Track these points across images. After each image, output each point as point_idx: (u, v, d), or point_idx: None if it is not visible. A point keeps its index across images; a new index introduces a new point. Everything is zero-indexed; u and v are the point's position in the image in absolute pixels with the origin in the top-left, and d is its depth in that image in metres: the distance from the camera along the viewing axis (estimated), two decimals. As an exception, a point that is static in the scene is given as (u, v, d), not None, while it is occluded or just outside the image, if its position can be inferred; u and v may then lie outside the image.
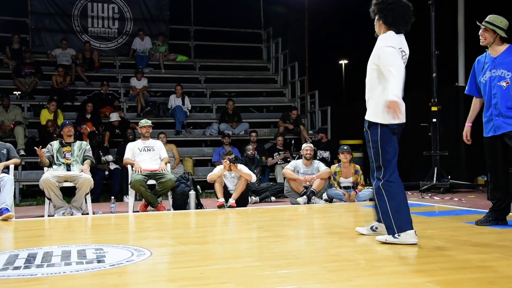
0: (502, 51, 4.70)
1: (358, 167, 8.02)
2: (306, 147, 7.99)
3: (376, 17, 4.05)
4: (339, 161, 8.07)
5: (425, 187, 8.79)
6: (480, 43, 4.80)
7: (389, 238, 3.89)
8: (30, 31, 13.11)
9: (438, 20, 9.31)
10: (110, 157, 9.40)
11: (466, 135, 5.08)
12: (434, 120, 9.11)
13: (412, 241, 3.84)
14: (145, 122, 7.72)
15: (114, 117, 10.61)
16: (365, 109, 4.08)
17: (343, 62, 25.96)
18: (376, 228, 4.25)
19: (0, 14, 12.78)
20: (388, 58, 3.80)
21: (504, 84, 4.63)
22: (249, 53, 14.61)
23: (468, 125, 5.08)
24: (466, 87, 5.10)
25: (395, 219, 3.85)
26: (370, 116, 3.99)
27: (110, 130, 10.37)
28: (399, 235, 3.85)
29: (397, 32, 3.98)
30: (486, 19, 4.74)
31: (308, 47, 13.35)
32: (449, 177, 9.01)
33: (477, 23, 4.82)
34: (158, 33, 13.66)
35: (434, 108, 9.12)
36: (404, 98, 3.83)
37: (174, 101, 11.65)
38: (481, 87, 4.86)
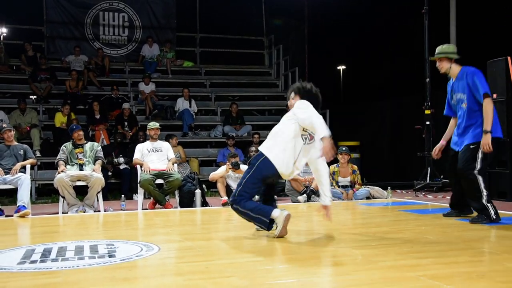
0: (457, 74, 4.88)
1: (355, 167, 8.00)
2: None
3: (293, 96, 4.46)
4: (337, 161, 8.07)
5: (419, 186, 8.79)
6: (441, 73, 5.00)
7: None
8: (45, 38, 13.15)
9: (431, 28, 9.30)
10: (121, 160, 9.41)
11: (435, 150, 5.15)
12: (428, 122, 9.12)
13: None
14: (153, 124, 7.74)
15: (126, 105, 10.81)
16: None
17: (341, 67, 25.89)
18: None
19: (17, 23, 12.86)
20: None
21: (464, 106, 4.80)
22: (251, 59, 14.62)
23: (442, 142, 5.16)
24: (444, 109, 5.22)
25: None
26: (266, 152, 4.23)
27: (120, 123, 10.50)
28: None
29: None
30: (436, 52, 5.00)
31: (308, 53, 13.38)
32: (442, 176, 9.00)
33: (430, 58, 5.12)
34: (166, 40, 13.68)
35: (427, 112, 9.12)
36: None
37: (182, 103, 11.67)
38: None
